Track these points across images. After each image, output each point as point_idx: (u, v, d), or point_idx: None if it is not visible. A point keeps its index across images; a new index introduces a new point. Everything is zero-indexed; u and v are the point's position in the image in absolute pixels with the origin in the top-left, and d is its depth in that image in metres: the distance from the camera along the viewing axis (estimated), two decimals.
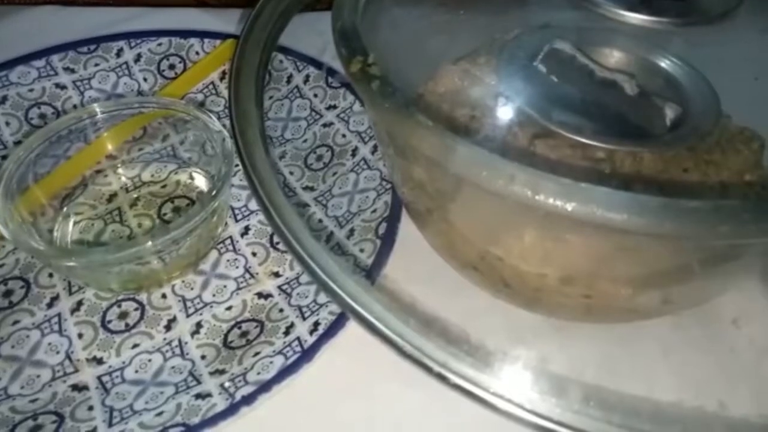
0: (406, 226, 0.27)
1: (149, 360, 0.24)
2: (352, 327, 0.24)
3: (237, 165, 0.31)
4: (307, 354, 0.23)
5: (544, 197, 0.16)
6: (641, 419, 0.17)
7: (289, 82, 0.35)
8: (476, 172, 0.17)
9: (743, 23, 0.27)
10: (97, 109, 0.29)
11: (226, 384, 0.23)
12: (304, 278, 0.27)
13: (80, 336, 0.25)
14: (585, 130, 0.24)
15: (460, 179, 0.20)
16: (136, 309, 0.26)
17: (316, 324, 0.24)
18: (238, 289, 0.27)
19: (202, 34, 0.37)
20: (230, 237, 0.29)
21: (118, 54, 0.36)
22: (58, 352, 0.25)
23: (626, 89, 0.25)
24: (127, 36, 0.36)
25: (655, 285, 0.22)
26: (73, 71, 0.35)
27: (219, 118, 0.29)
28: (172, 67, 0.36)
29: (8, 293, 0.26)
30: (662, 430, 0.17)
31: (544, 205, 0.16)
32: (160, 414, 0.22)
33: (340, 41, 0.21)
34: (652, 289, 0.22)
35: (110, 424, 0.22)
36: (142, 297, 0.26)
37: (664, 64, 0.27)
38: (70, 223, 0.29)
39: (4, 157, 0.29)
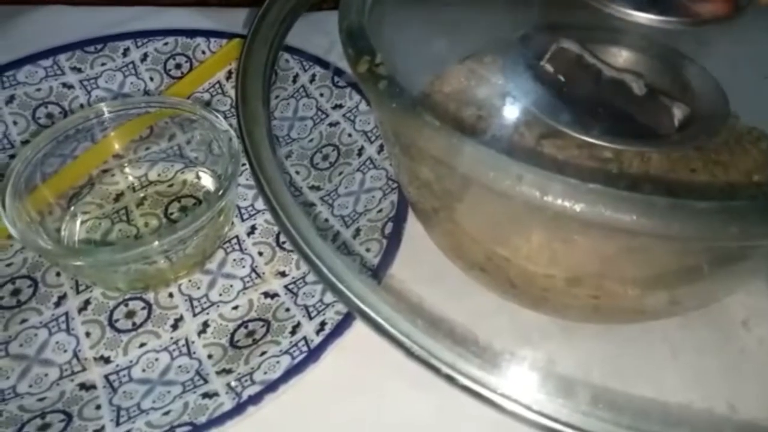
0: (413, 226, 0.27)
1: (156, 359, 0.25)
2: (358, 327, 0.24)
3: (243, 164, 0.31)
4: (314, 354, 0.23)
5: (552, 198, 0.16)
6: (650, 421, 0.17)
7: (295, 81, 0.35)
8: (484, 172, 0.17)
9: (753, 22, 0.27)
10: (104, 109, 0.29)
11: (233, 383, 0.23)
12: (311, 278, 0.27)
13: (88, 335, 0.25)
14: (592, 129, 0.24)
15: (467, 179, 0.19)
16: (143, 308, 0.26)
17: (323, 324, 0.24)
18: (245, 288, 0.27)
19: (208, 34, 0.37)
20: (237, 236, 0.29)
21: (125, 53, 0.36)
22: (65, 351, 0.25)
23: (634, 89, 0.25)
24: (134, 35, 0.36)
25: (662, 286, 0.21)
26: (80, 71, 0.35)
27: (225, 118, 0.29)
28: (178, 66, 0.36)
29: (16, 292, 0.26)
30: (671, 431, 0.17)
31: (551, 205, 0.16)
32: (167, 413, 0.22)
33: (348, 41, 0.21)
34: (660, 290, 0.22)
35: (118, 423, 0.22)
36: (149, 296, 0.26)
37: (672, 63, 0.27)
38: (77, 223, 0.29)
39: (12, 157, 0.30)
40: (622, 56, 0.28)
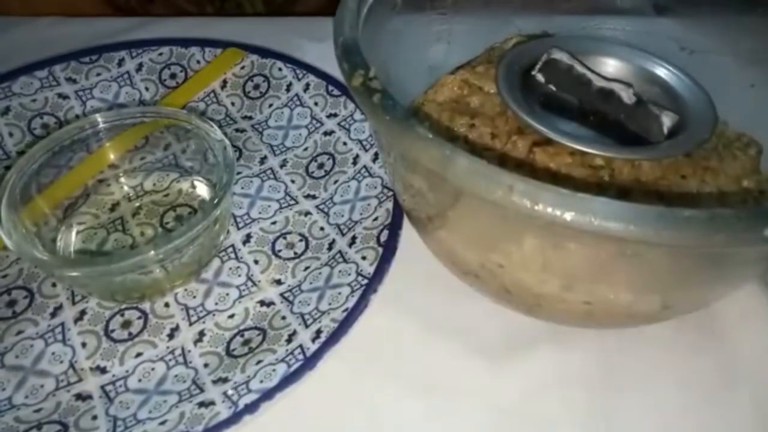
0: (408, 233, 0.27)
1: (152, 369, 0.25)
2: (354, 334, 0.24)
3: (238, 173, 0.32)
4: (310, 362, 0.23)
5: (543, 207, 0.16)
6: None
7: (288, 90, 0.35)
8: (475, 183, 0.17)
9: (739, 30, 0.27)
10: (99, 119, 0.29)
11: (229, 392, 0.23)
12: (306, 286, 0.27)
13: (84, 345, 0.25)
14: (583, 138, 0.24)
15: (459, 189, 0.20)
16: (139, 318, 0.26)
17: (319, 332, 0.24)
18: (241, 296, 0.27)
19: (202, 43, 0.37)
20: (232, 245, 0.29)
21: (120, 63, 0.36)
22: (61, 362, 0.25)
23: (624, 98, 0.25)
24: (129, 45, 0.36)
25: (655, 291, 0.22)
26: (75, 81, 0.35)
27: (220, 127, 0.29)
28: (173, 76, 0.36)
29: (12, 303, 0.26)
30: None
31: (542, 214, 0.16)
32: (163, 423, 0.22)
33: (342, 56, 0.22)
34: (652, 295, 0.22)
35: None
36: (145, 306, 0.27)
37: (660, 72, 0.27)
38: (73, 233, 0.29)
39: (8, 168, 0.30)
40: (611, 66, 0.28)
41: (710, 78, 0.26)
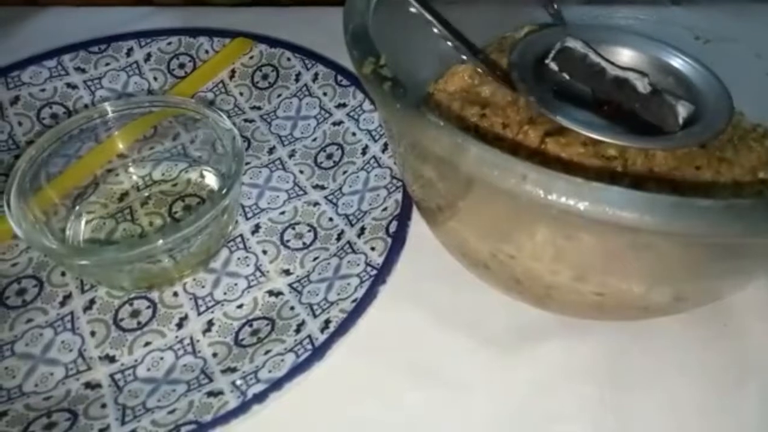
0: (417, 223, 0.27)
1: (161, 358, 0.25)
2: (362, 325, 0.24)
3: (247, 163, 0.31)
4: (318, 352, 0.23)
5: (556, 196, 0.16)
6: None
7: (297, 80, 0.35)
8: (488, 171, 0.17)
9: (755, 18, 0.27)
10: (108, 109, 0.29)
11: (238, 382, 0.23)
12: (315, 276, 0.27)
13: (93, 334, 0.25)
14: (597, 127, 0.24)
15: (471, 178, 0.19)
16: (147, 307, 0.26)
17: (327, 322, 0.24)
18: (249, 287, 0.27)
19: (211, 33, 0.37)
20: (241, 235, 0.29)
21: (129, 53, 0.36)
22: (71, 350, 0.25)
23: (638, 87, 0.25)
24: (137, 35, 0.36)
25: (667, 282, 0.21)
26: (84, 71, 0.35)
27: (229, 117, 0.29)
28: (182, 66, 0.36)
29: (21, 292, 0.27)
30: None
31: (555, 204, 0.16)
32: (172, 412, 0.22)
33: (352, 43, 0.21)
34: (665, 287, 0.22)
35: (123, 422, 0.22)
36: (154, 295, 0.27)
37: (675, 62, 0.27)
38: (82, 222, 0.29)
39: (17, 157, 0.30)
40: (625, 55, 0.27)
41: (726, 68, 0.26)
